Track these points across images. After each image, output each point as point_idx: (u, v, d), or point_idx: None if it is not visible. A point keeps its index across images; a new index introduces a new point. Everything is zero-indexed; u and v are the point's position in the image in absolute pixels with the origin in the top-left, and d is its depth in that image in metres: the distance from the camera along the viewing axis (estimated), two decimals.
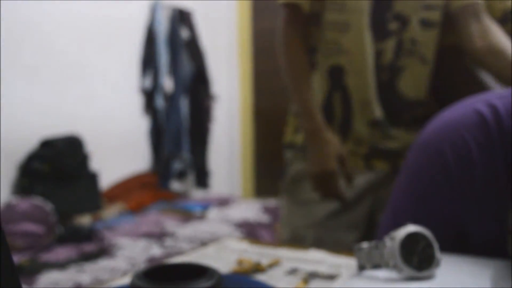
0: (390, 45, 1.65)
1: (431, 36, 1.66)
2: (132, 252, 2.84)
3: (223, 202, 4.10)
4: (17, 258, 2.69)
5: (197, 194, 4.81)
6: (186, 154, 4.58)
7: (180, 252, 2.87)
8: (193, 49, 4.70)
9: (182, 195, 4.49)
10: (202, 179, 4.78)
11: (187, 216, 3.69)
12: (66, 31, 3.80)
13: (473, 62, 1.67)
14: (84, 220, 3.42)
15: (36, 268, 2.55)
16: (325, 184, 1.65)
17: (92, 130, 3.91)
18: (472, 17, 1.59)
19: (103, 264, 2.66)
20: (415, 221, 1.04)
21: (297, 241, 1.75)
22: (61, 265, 2.61)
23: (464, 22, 1.60)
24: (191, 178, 4.85)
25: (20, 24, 3.46)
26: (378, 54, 1.65)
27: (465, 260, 0.98)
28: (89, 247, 2.90)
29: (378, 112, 1.67)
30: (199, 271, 0.81)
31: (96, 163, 3.82)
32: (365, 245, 0.94)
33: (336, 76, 1.69)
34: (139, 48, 4.43)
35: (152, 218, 3.57)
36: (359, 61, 1.65)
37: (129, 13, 4.35)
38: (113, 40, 4.19)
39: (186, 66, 4.61)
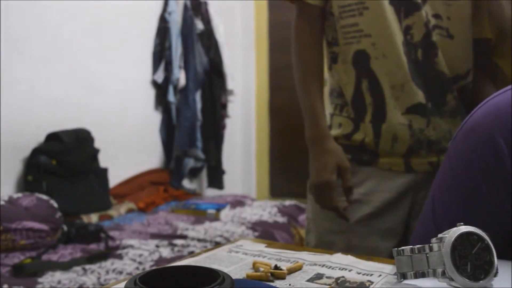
0: (419, 19, 1.51)
1: (457, 8, 1.53)
2: (140, 253, 2.70)
3: (237, 202, 3.95)
4: (19, 257, 2.56)
5: (210, 193, 4.66)
6: (199, 151, 4.43)
7: (191, 254, 2.72)
8: (208, 41, 4.56)
9: (194, 195, 4.34)
10: (216, 178, 4.63)
11: (199, 216, 3.54)
12: (74, 22, 3.67)
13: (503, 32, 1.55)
14: (92, 219, 3.28)
15: (38, 268, 2.42)
16: (321, 195, 1.56)
17: (101, 124, 3.78)
18: None
19: (109, 265, 2.52)
20: (461, 219, 0.87)
21: (324, 247, 1.60)
22: (65, 265, 2.47)
23: None
24: (204, 177, 4.71)
25: (26, 15, 3.33)
26: (407, 31, 1.51)
27: None
28: (95, 247, 2.77)
29: (419, 95, 1.53)
30: (207, 275, 0.67)
31: (105, 159, 3.68)
32: (406, 248, 0.78)
33: (360, 62, 1.55)
34: (152, 39, 4.29)
35: (163, 218, 3.43)
36: (384, 42, 1.51)
37: (142, 2, 4.21)
38: (124, 31, 4.07)
39: (200, 59, 4.46)
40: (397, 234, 1.59)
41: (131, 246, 2.79)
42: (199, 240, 2.99)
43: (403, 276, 0.78)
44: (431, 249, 0.75)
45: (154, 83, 4.30)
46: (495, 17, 1.54)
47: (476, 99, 1.49)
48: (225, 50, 4.77)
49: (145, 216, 3.53)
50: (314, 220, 1.69)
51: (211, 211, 3.63)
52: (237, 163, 5.24)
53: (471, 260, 0.74)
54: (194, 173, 4.60)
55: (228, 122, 4.89)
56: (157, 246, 2.82)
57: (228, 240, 3.03)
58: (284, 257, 1.08)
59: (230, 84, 4.78)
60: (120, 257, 2.65)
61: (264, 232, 3.26)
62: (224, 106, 4.74)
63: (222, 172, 4.67)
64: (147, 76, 4.28)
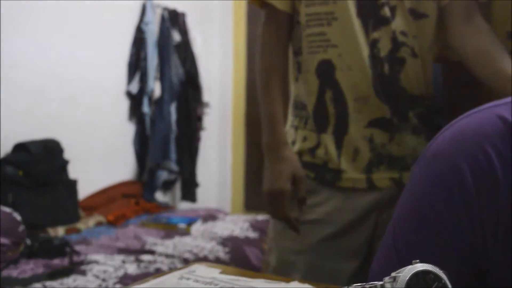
0: (386, 34, 1.49)
1: (422, 28, 1.51)
2: (105, 269, 2.61)
3: (210, 216, 3.88)
4: None
5: (183, 207, 4.59)
6: (173, 164, 4.36)
7: (157, 271, 2.65)
8: (185, 53, 4.50)
9: (167, 208, 4.26)
10: (189, 191, 4.56)
11: (170, 230, 3.46)
12: (47, 29, 3.59)
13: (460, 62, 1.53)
14: (58, 232, 3.19)
15: None
16: (274, 204, 1.52)
17: (73, 135, 3.71)
18: (463, 15, 1.49)
19: (71, 282, 2.44)
20: (421, 254, 0.82)
21: (285, 268, 1.57)
22: (24, 282, 2.38)
23: (454, 19, 1.49)
24: (177, 189, 4.64)
25: None
26: (373, 45, 1.49)
27: None
28: (59, 263, 2.67)
29: (382, 109, 1.50)
30: None
31: (77, 170, 3.60)
32: (357, 286, 0.72)
33: (325, 72, 1.53)
34: (127, 49, 4.22)
35: (132, 232, 3.35)
36: (350, 53, 1.49)
37: (118, 12, 4.15)
38: (99, 40, 3.99)
39: (176, 70, 4.40)
40: (360, 255, 1.54)
41: (96, 262, 2.70)
42: (167, 256, 2.91)
43: None
44: None
45: (129, 94, 4.22)
46: (453, 46, 1.52)
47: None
48: (202, 62, 4.71)
49: (114, 229, 3.44)
50: (275, 239, 1.64)
51: (182, 225, 3.55)
52: (212, 176, 5.17)
53: None
54: (167, 186, 4.53)
55: (204, 134, 4.83)
56: (123, 262, 2.74)
57: (197, 256, 2.96)
58: (237, 286, 1.02)
59: (207, 96, 4.73)
60: (83, 273, 2.56)
61: (235, 248, 3.20)
62: (199, 118, 4.68)
63: (195, 184, 4.60)
64: (122, 86, 4.20)
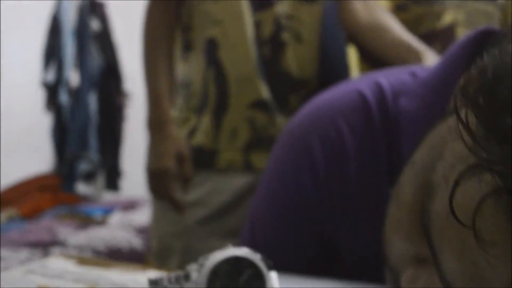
0: (269, 16, 1.48)
1: (310, 13, 1.52)
2: (8, 265, 2.51)
3: (130, 205, 3.79)
4: None
5: (107, 197, 4.49)
6: (93, 154, 4.25)
7: None
8: (104, 41, 4.40)
9: (88, 199, 4.17)
10: (113, 180, 4.46)
11: (85, 221, 3.36)
12: None
13: (354, 40, 1.57)
14: None
15: None
16: (157, 183, 1.51)
17: None
18: None
19: None
20: (275, 235, 0.82)
21: (165, 252, 1.56)
22: None
23: None
24: (100, 180, 4.53)
25: None
26: (257, 26, 1.48)
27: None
28: None
29: (263, 91, 1.49)
30: None
31: None
32: (164, 278, 0.66)
33: (210, 51, 1.51)
34: (43, 38, 4.09)
35: (45, 225, 3.24)
36: (235, 32, 1.48)
37: None
38: (11, 27, 3.85)
39: (95, 59, 4.29)
40: (237, 235, 1.53)
41: (1, 258, 2.60)
42: (79, 248, 2.82)
43: None
44: (187, 278, 0.63)
45: (45, 84, 4.09)
46: (347, 24, 1.53)
47: None
48: (124, 50, 4.61)
49: (27, 223, 3.33)
50: (155, 224, 1.63)
51: (98, 215, 3.46)
52: (139, 165, 5.07)
53: None
54: (89, 176, 4.42)
55: (130, 123, 4.73)
56: (30, 257, 2.64)
57: (110, 248, 2.89)
58: (84, 279, 0.95)
59: (130, 85, 4.64)
60: None
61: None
62: (121, 108, 4.58)
63: (118, 174, 4.50)
64: (37, 76, 4.07)
